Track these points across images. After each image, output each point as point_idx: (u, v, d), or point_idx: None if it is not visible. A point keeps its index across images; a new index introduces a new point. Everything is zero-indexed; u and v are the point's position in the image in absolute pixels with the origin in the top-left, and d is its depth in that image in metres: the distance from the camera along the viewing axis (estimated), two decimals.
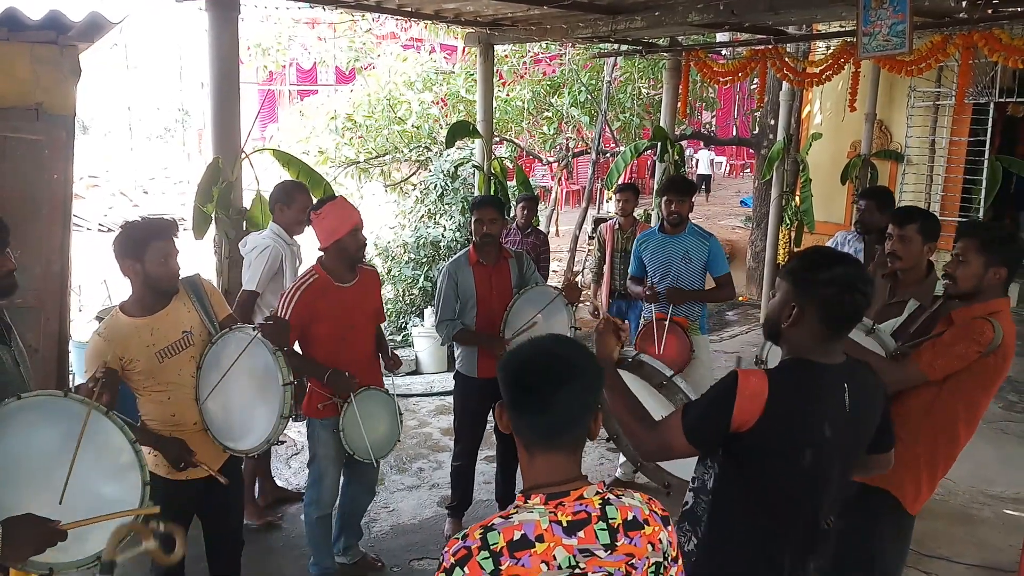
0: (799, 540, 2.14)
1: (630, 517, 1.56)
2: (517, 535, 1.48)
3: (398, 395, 6.81)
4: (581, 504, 1.54)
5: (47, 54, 4.38)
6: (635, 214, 6.49)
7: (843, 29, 7.34)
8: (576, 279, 9.45)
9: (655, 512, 1.61)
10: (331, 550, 4.00)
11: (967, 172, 9.75)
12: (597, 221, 9.78)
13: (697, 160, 21.99)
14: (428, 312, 7.80)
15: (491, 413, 4.56)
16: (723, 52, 10.31)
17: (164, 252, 2.89)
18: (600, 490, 1.58)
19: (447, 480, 4.79)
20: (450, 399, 5.68)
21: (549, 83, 11.52)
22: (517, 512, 1.53)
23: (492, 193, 7.16)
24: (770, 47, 7.24)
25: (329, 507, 3.89)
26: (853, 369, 2.13)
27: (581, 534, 1.51)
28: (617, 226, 6.37)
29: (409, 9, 6.17)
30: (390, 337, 8.41)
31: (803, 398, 2.04)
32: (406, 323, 8.57)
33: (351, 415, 3.59)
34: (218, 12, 4.69)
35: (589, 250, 7.48)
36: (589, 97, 11.09)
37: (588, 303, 7.30)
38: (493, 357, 4.28)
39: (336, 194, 4.72)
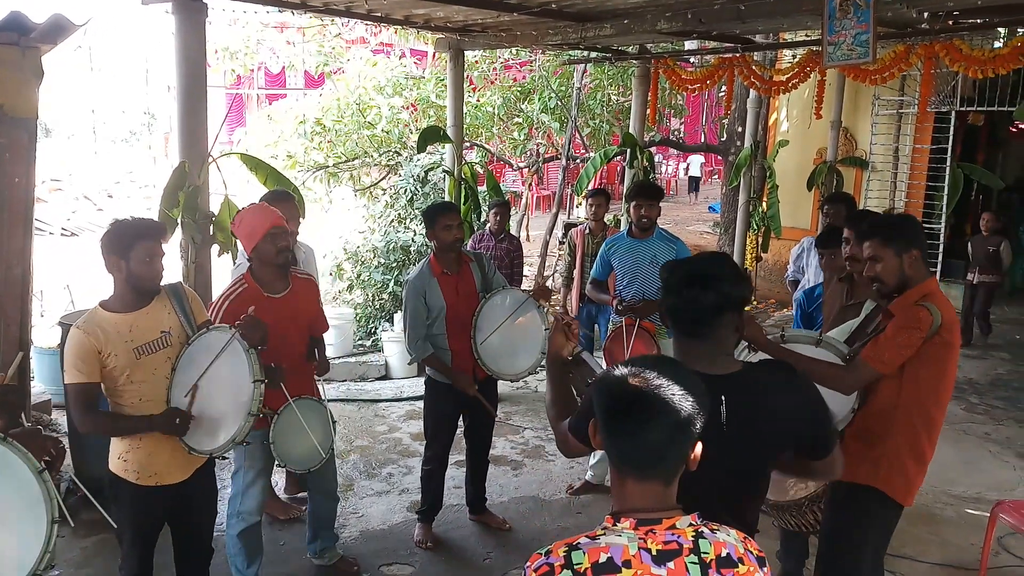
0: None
1: (724, 554, 1.49)
2: (603, 557, 1.43)
3: (367, 400, 6.81)
4: (673, 534, 1.48)
5: (9, 56, 4.31)
6: (605, 219, 6.52)
7: (809, 38, 7.46)
8: (546, 283, 9.47)
9: (750, 551, 1.54)
10: (254, 569, 3.84)
11: (930, 179, 9.95)
12: (568, 226, 9.82)
13: (688, 164, 23.73)
14: (398, 317, 7.77)
15: (461, 418, 4.55)
16: (691, 60, 10.40)
17: (149, 252, 2.90)
18: (694, 522, 1.51)
19: (417, 485, 4.77)
20: (419, 404, 5.65)
21: (519, 89, 11.56)
22: (605, 534, 1.48)
23: (463, 198, 7.15)
24: (737, 55, 7.33)
25: (254, 518, 3.78)
26: (737, 379, 2.05)
27: (671, 565, 1.44)
28: (588, 231, 6.40)
29: (379, 14, 6.15)
30: (359, 342, 8.37)
31: None
32: (376, 328, 8.53)
33: (280, 426, 3.53)
34: (185, 15, 4.65)
35: (559, 255, 7.52)
36: (559, 103, 11.14)
37: (558, 307, 7.32)
38: (468, 368, 4.28)
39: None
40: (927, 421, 2.97)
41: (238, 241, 4.14)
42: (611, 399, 1.55)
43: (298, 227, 4.49)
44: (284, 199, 4.35)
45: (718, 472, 2.01)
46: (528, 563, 1.47)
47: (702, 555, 1.47)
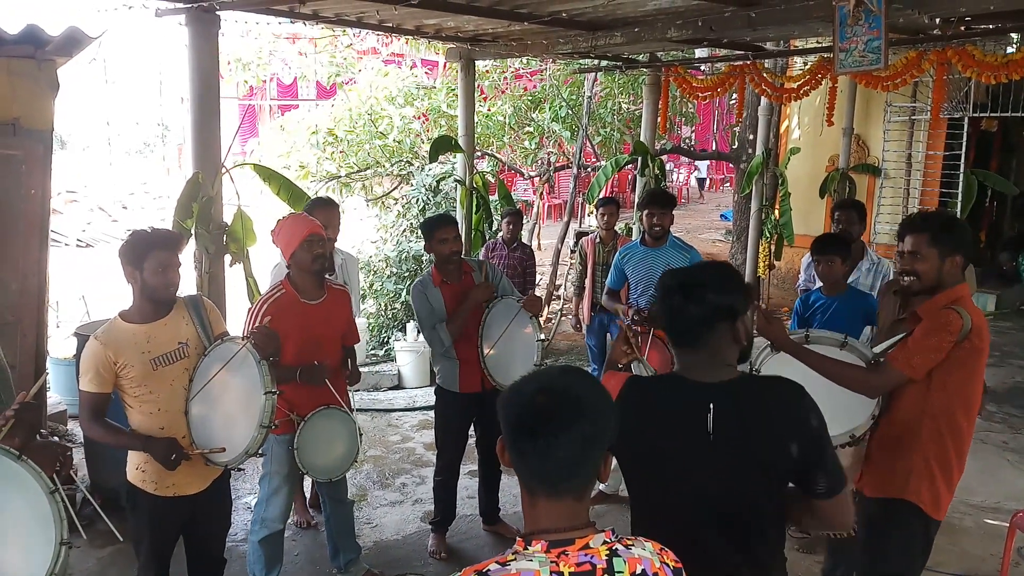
0: (698, 561, 1.83)
1: (639, 571, 1.43)
2: None
3: (380, 409, 6.81)
4: (586, 555, 1.42)
5: (25, 68, 4.36)
6: (616, 228, 6.51)
7: (820, 45, 7.45)
8: (555, 290, 9.46)
9: (667, 564, 1.49)
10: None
11: (943, 186, 9.90)
12: (579, 235, 9.81)
13: (697, 166, 25.06)
14: (411, 326, 7.78)
15: (472, 427, 4.55)
16: (702, 68, 10.40)
17: (164, 263, 2.91)
18: (608, 539, 1.45)
19: (430, 495, 4.76)
20: (432, 413, 5.65)
21: (530, 98, 11.57)
22: (516, 559, 1.41)
23: (475, 208, 7.17)
24: (748, 63, 7.32)
25: (278, 526, 3.80)
26: (729, 389, 1.99)
27: None
28: (598, 240, 6.39)
29: (390, 24, 6.18)
30: (372, 352, 8.38)
31: (644, 408, 2.01)
32: (388, 337, 8.54)
33: (307, 433, 3.55)
34: (198, 27, 4.68)
35: (571, 264, 7.51)
36: (570, 112, 11.15)
37: (571, 316, 7.31)
38: (476, 378, 4.27)
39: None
40: (955, 431, 2.89)
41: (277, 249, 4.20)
42: (518, 416, 1.48)
43: (337, 234, 4.54)
44: (326, 206, 4.45)
45: (706, 487, 1.98)
46: None
47: (616, 574, 1.41)
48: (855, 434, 3.11)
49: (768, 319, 3.02)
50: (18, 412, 2.32)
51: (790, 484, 2.03)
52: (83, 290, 8.19)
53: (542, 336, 4.43)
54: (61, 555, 2.25)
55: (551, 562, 1.40)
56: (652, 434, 2.00)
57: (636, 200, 8.63)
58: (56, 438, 4.01)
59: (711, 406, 1.95)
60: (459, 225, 4.69)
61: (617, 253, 5.22)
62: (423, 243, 8.80)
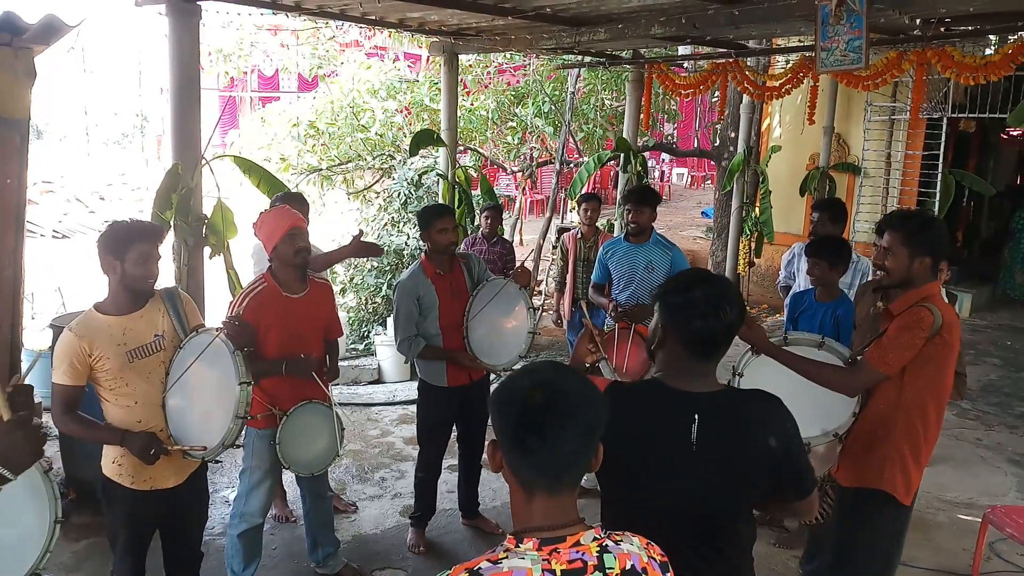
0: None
1: (628, 566, 1.46)
2: None
3: (360, 403, 6.79)
4: (578, 551, 1.44)
5: (1, 56, 4.28)
6: (598, 224, 6.52)
7: (802, 44, 7.48)
8: (539, 285, 9.47)
9: (654, 559, 1.52)
10: (250, 571, 3.82)
11: (921, 185, 9.98)
12: (561, 230, 9.82)
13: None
14: (391, 321, 7.75)
15: (455, 422, 4.54)
16: (685, 65, 10.42)
17: (145, 254, 2.90)
18: (599, 535, 1.48)
19: (410, 489, 4.75)
20: (412, 408, 5.64)
21: (513, 93, 11.55)
22: (508, 557, 1.41)
23: (456, 202, 7.15)
24: (731, 60, 7.34)
25: (257, 520, 3.78)
26: (714, 401, 2.02)
27: None
28: (580, 235, 6.40)
29: (373, 17, 6.15)
30: (352, 346, 8.35)
31: (626, 414, 1.97)
32: (369, 331, 8.51)
33: (289, 428, 3.54)
34: (179, 17, 4.63)
35: (552, 260, 7.51)
36: (553, 108, 11.15)
37: (551, 312, 7.31)
38: (463, 368, 4.27)
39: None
40: (926, 421, 2.98)
41: (258, 242, 4.17)
42: (520, 414, 1.48)
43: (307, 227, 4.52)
44: (295, 200, 4.41)
45: (684, 495, 1.98)
46: None
47: (607, 570, 1.43)
48: (838, 433, 3.16)
49: (748, 324, 3.05)
50: (11, 395, 2.33)
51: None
52: (59, 282, 8.09)
53: (532, 305, 4.42)
54: (56, 532, 2.37)
55: (543, 560, 1.41)
56: (633, 441, 1.99)
57: (618, 196, 8.64)
58: (32, 415, 3.93)
59: (696, 417, 1.97)
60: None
61: (601, 248, 5.23)
62: (404, 237, 8.82)
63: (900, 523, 3.09)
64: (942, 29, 5.83)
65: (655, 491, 2.00)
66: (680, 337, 2.04)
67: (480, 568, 1.39)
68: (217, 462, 3.13)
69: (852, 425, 3.14)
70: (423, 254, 4.32)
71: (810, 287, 4.48)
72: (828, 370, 3.03)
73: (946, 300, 3.13)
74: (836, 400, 3.11)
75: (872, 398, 3.03)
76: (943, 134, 9.66)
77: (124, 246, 2.87)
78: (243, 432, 3.07)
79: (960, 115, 9.69)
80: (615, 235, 6.85)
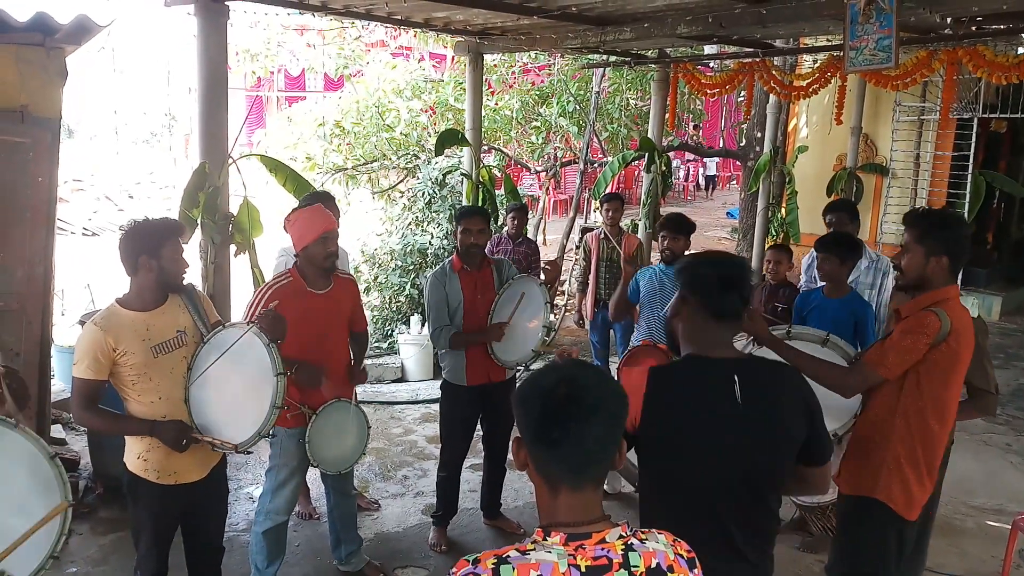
0: (711, 539, 2.04)
1: (654, 564, 1.46)
2: (532, 574, 1.40)
3: (383, 402, 6.82)
4: (603, 549, 1.44)
5: (33, 56, 4.36)
6: (621, 224, 6.50)
7: (830, 43, 7.41)
8: (555, 287, 9.45)
9: (680, 555, 1.52)
10: (274, 569, 3.83)
11: (951, 186, 9.86)
12: (584, 230, 9.80)
13: (705, 164, 24.93)
14: (415, 320, 7.78)
15: (479, 422, 4.55)
16: (711, 64, 10.37)
17: (178, 249, 3.01)
18: (624, 533, 1.48)
19: (432, 488, 4.76)
20: (435, 407, 5.64)
21: (538, 93, 11.55)
22: (535, 549, 1.43)
23: (480, 201, 7.16)
24: (757, 60, 7.30)
25: (282, 518, 3.80)
26: (746, 364, 2.15)
27: None
28: (603, 235, 6.38)
29: (399, 17, 6.17)
30: (376, 344, 8.38)
31: (681, 390, 2.10)
32: (392, 330, 8.53)
33: (318, 426, 3.56)
34: (207, 17, 4.68)
35: (575, 259, 7.50)
36: (577, 107, 11.13)
37: (574, 312, 7.30)
38: (482, 365, 4.28)
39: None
40: (925, 433, 2.84)
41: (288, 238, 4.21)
42: (543, 408, 1.49)
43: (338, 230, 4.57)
44: (328, 200, 4.42)
45: (735, 455, 2.07)
46: (454, 569, 1.44)
47: (632, 569, 1.44)
48: (838, 433, 3.13)
49: (751, 316, 3.02)
50: (3, 376, 2.38)
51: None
52: (88, 279, 8.20)
53: (548, 324, 4.41)
54: (69, 517, 2.41)
55: (569, 555, 1.42)
56: (681, 413, 2.08)
57: (642, 197, 8.61)
58: (13, 368, 3.96)
59: (735, 378, 2.06)
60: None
61: (637, 273, 5.11)
62: (428, 236, 8.86)
63: (892, 536, 2.94)
64: (973, 28, 5.75)
65: (705, 452, 2.07)
66: (705, 300, 2.14)
67: (509, 556, 1.42)
68: (248, 452, 3.15)
69: (852, 427, 3.09)
70: (455, 251, 4.37)
71: (817, 286, 4.46)
72: (825, 367, 2.92)
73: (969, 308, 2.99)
74: (839, 400, 3.02)
75: (871, 402, 2.93)
76: (973, 134, 9.54)
77: (159, 244, 2.93)
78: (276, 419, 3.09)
79: (991, 115, 9.56)
80: (638, 236, 6.83)
